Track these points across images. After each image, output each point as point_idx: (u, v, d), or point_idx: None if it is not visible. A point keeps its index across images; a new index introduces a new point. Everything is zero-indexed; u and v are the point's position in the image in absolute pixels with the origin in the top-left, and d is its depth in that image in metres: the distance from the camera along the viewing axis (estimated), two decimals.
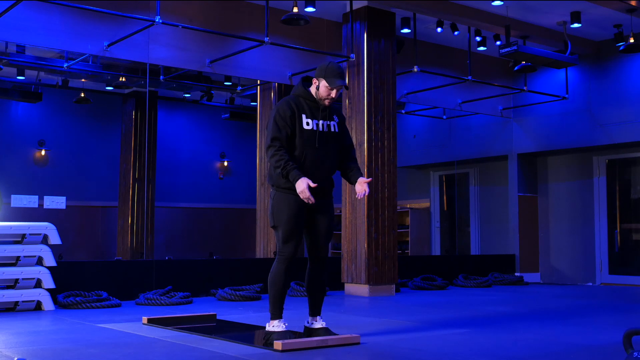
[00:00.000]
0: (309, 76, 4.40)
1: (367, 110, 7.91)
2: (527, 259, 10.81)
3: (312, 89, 4.31)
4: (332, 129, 4.32)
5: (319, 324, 4.33)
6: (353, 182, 4.37)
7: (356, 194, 4.30)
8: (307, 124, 4.21)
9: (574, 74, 10.15)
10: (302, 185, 4.03)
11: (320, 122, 4.28)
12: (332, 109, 4.40)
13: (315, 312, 4.37)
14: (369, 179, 4.32)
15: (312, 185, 4.04)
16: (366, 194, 4.29)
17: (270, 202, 4.27)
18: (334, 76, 4.22)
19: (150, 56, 7.51)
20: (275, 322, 4.19)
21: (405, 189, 12.35)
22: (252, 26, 7.96)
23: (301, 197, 4.05)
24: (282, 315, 4.22)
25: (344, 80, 4.27)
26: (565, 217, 10.73)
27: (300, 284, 7.77)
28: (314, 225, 4.29)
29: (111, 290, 6.88)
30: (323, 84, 4.24)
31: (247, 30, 7.93)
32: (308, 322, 4.37)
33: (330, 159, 4.30)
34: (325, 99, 4.26)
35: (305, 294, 7.42)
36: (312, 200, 4.03)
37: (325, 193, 4.31)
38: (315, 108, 4.29)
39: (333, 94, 4.24)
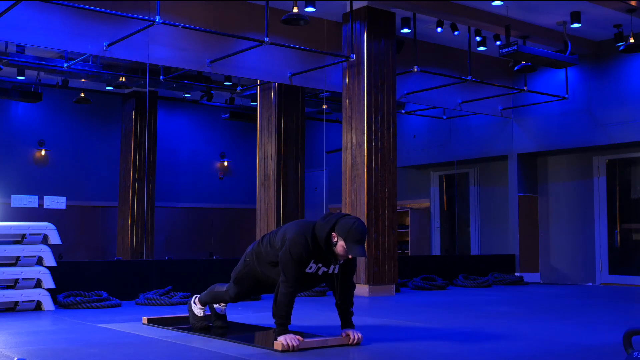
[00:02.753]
0: (336, 228, 3.99)
1: (367, 110, 7.91)
2: (527, 259, 10.81)
3: (330, 241, 4.02)
4: (332, 271, 4.18)
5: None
6: (345, 321, 4.24)
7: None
8: (310, 268, 4.08)
9: (574, 74, 10.15)
10: (287, 338, 3.93)
11: (323, 268, 4.13)
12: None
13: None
14: (353, 338, 4.16)
15: (295, 343, 3.93)
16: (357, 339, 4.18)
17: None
18: (355, 242, 3.91)
19: (150, 56, 7.51)
20: (197, 308, 4.65)
21: (405, 189, 12.35)
22: (252, 26, 7.97)
23: (283, 342, 3.91)
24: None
25: (364, 249, 3.95)
26: (565, 217, 10.73)
27: None
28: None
29: (111, 290, 6.87)
30: (341, 244, 3.94)
31: (247, 30, 7.93)
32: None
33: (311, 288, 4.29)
34: (340, 257, 4.04)
35: (308, 294, 7.47)
36: (295, 341, 3.94)
37: None
38: (325, 257, 4.10)
39: (349, 256, 4.01)
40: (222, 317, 4.82)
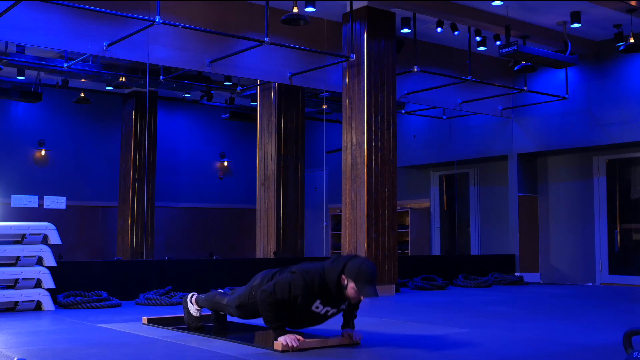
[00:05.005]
0: (345, 271, 3.94)
1: (367, 110, 7.91)
2: (527, 259, 10.80)
3: (340, 284, 3.96)
4: (337, 311, 4.15)
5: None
6: (344, 323, 4.25)
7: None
8: (317, 307, 4.04)
9: (574, 74, 10.15)
10: (287, 338, 3.93)
11: (329, 310, 4.09)
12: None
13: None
14: (352, 335, 4.17)
15: (296, 344, 3.92)
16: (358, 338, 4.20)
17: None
18: (366, 283, 3.87)
19: (150, 56, 7.51)
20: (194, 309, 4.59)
21: (405, 189, 12.34)
22: (252, 26, 7.96)
23: (282, 342, 3.91)
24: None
25: (375, 289, 3.91)
26: (565, 217, 10.73)
27: None
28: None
29: (111, 290, 6.87)
30: (352, 286, 3.89)
31: (247, 30, 7.93)
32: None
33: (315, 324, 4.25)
34: (352, 299, 3.99)
35: None
36: (296, 342, 3.94)
37: None
38: (335, 299, 4.05)
39: (361, 298, 3.99)
40: (223, 316, 4.86)
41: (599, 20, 8.92)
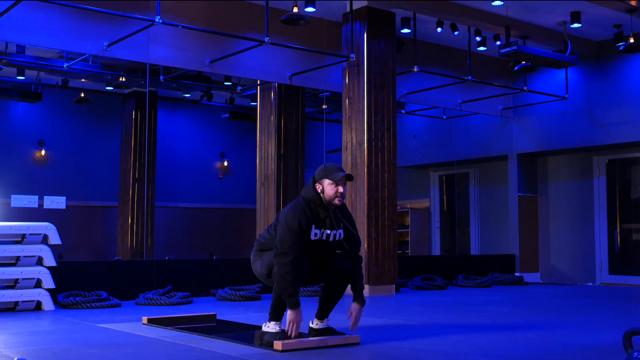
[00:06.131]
0: (315, 178, 4.17)
1: (367, 110, 7.91)
2: (527, 259, 10.81)
3: (319, 194, 4.12)
4: (338, 238, 4.19)
5: (324, 324, 4.31)
6: (357, 289, 4.23)
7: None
8: (315, 235, 4.09)
9: (574, 74, 10.15)
10: (294, 316, 3.96)
11: (327, 232, 4.13)
12: (342, 214, 4.23)
13: (323, 316, 4.33)
14: (358, 311, 4.19)
15: (296, 332, 3.97)
16: (355, 322, 4.21)
17: (259, 260, 4.23)
18: (334, 171, 4.11)
19: (150, 56, 7.51)
20: (272, 324, 4.14)
21: (405, 189, 12.34)
22: (252, 26, 7.96)
23: (288, 319, 3.96)
24: (282, 319, 4.18)
25: (344, 172, 4.14)
26: (565, 217, 10.73)
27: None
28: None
29: (111, 290, 6.87)
30: (327, 183, 4.09)
31: (247, 30, 7.93)
32: (313, 323, 4.32)
33: (327, 256, 4.24)
34: (334, 199, 4.10)
35: (308, 293, 7.46)
36: (295, 331, 3.97)
37: None
38: (325, 214, 4.14)
39: (340, 189, 4.09)
40: (316, 330, 4.39)
41: (599, 20, 8.92)
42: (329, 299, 4.26)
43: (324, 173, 4.13)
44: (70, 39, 7.01)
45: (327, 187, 4.10)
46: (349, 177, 4.14)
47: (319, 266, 4.19)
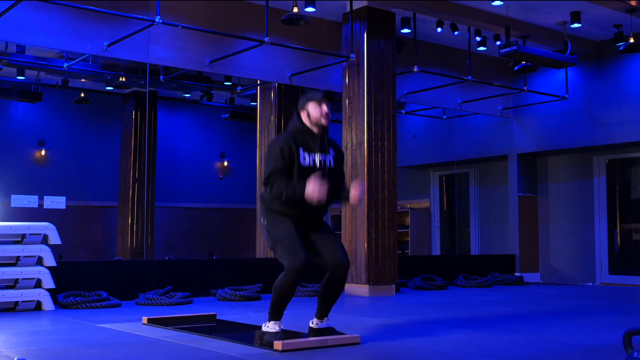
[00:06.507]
0: (298, 108, 4.32)
1: (367, 110, 7.91)
2: (527, 259, 10.80)
3: (306, 121, 4.23)
4: (329, 164, 4.24)
5: (324, 324, 4.31)
6: (346, 197, 4.29)
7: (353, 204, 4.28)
8: (304, 159, 4.14)
9: (574, 74, 10.15)
10: (311, 187, 3.94)
11: (318, 156, 4.19)
12: (330, 141, 4.32)
13: (323, 315, 4.34)
14: (360, 182, 4.23)
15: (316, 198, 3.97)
16: (363, 196, 4.27)
17: (265, 228, 4.22)
18: (315, 95, 4.28)
19: (150, 56, 7.51)
20: (271, 324, 4.12)
21: (405, 189, 12.34)
22: (252, 26, 7.96)
23: (313, 196, 3.93)
24: (281, 318, 4.18)
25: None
26: (565, 217, 10.73)
27: (301, 284, 7.76)
28: (321, 243, 4.21)
29: (111, 290, 6.87)
30: (311, 106, 4.22)
31: (247, 30, 7.93)
32: (313, 323, 4.33)
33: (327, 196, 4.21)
34: (320, 119, 4.20)
35: (308, 293, 7.46)
36: (323, 197, 3.96)
37: (320, 220, 4.31)
38: (313, 140, 4.20)
39: (324, 107, 4.21)
40: (316, 330, 4.37)
41: (599, 20, 8.92)
42: (328, 296, 4.26)
43: (305, 99, 4.29)
44: (70, 39, 7.01)
45: (312, 110, 4.22)
46: (327, 96, 4.29)
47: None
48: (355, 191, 4.19)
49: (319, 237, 4.22)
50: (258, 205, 9.50)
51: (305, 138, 4.21)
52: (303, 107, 4.26)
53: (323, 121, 4.22)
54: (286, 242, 4.07)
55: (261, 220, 4.29)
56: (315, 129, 4.21)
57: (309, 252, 4.14)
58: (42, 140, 10.69)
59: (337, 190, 4.29)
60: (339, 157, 4.38)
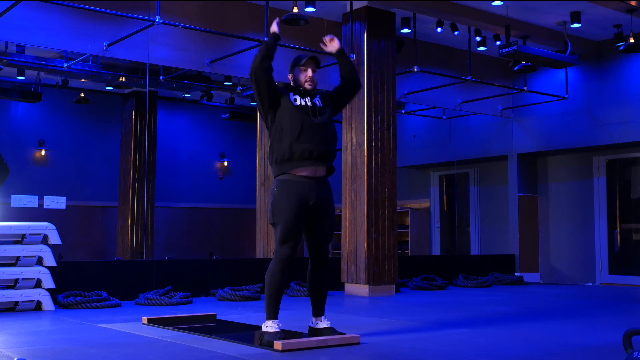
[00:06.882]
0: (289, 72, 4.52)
1: (367, 110, 7.91)
2: (527, 259, 10.81)
3: (293, 84, 4.41)
4: (319, 105, 4.38)
5: (323, 323, 4.31)
6: (345, 68, 4.53)
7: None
8: (296, 100, 4.27)
9: (574, 74, 10.15)
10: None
11: (308, 100, 4.34)
12: (315, 93, 4.44)
13: (318, 312, 4.34)
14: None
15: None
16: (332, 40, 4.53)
17: (271, 199, 4.26)
18: (302, 57, 4.38)
19: (150, 56, 7.51)
20: (269, 323, 4.12)
21: (405, 189, 12.35)
22: (252, 26, 7.96)
23: (273, 27, 4.35)
24: (278, 316, 4.19)
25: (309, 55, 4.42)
26: (565, 217, 10.73)
27: (300, 284, 7.76)
28: (315, 225, 4.29)
29: (111, 290, 6.87)
30: (297, 70, 4.37)
31: (247, 30, 7.93)
32: (312, 323, 4.34)
33: (328, 128, 4.34)
34: (305, 82, 4.34)
35: (307, 294, 7.46)
36: (275, 28, 4.36)
37: (325, 183, 4.37)
38: (300, 94, 4.36)
39: (309, 72, 4.33)
40: (316, 330, 4.35)
41: (599, 20, 8.92)
42: (314, 287, 4.33)
43: (293, 63, 4.39)
44: (70, 39, 7.01)
45: (298, 75, 4.35)
46: (315, 59, 4.35)
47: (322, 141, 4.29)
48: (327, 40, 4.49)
49: (318, 222, 4.31)
50: (258, 205, 9.51)
51: (296, 89, 4.36)
52: (291, 72, 4.40)
53: (306, 85, 4.34)
54: (284, 228, 4.16)
55: (272, 189, 4.33)
56: (302, 91, 4.35)
57: (306, 234, 4.32)
58: (42, 140, 10.69)
59: (334, 133, 4.40)
60: (327, 96, 4.48)
